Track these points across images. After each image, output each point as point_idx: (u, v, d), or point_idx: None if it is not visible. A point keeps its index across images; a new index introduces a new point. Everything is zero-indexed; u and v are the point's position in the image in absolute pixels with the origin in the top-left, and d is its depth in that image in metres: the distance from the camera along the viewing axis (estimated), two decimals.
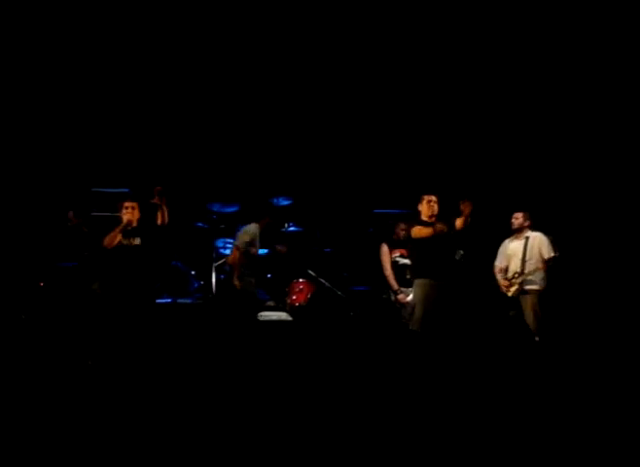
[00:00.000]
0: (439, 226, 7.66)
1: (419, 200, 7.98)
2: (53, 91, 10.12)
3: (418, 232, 7.77)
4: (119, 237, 7.79)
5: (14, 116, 9.84)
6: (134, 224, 7.86)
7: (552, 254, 8.30)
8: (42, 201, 9.93)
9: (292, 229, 10.82)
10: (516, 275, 8.34)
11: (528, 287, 8.33)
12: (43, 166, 10.16)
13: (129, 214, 7.84)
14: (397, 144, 11.37)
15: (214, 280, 10.15)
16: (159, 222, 7.90)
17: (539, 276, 8.35)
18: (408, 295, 8.40)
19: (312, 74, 10.73)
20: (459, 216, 7.58)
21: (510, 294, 8.37)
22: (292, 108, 11.35)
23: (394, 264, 8.81)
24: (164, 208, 7.84)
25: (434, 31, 9.79)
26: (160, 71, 10.25)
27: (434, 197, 7.91)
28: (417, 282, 7.86)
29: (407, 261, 8.64)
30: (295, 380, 6.22)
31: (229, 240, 10.72)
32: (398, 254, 8.81)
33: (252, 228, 8.95)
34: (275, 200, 10.76)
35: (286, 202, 10.87)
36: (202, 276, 10.52)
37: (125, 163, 10.79)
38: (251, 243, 8.89)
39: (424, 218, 7.90)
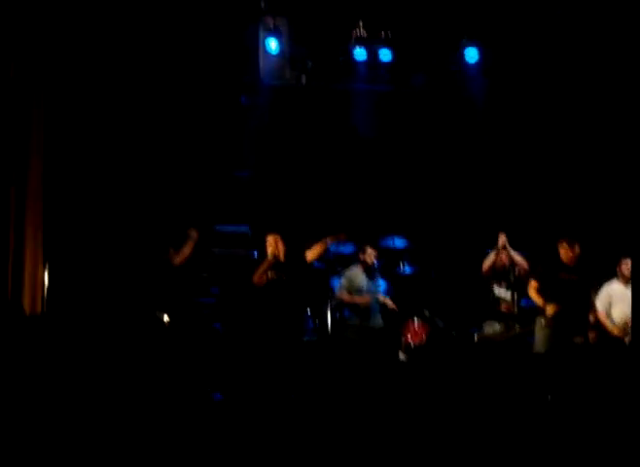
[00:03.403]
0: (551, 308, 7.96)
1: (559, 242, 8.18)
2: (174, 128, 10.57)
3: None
4: (269, 274, 7.85)
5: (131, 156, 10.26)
6: (281, 258, 7.91)
7: None
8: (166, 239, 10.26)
9: (407, 269, 10.84)
10: (629, 323, 8.24)
11: None
12: (168, 204, 10.51)
13: (273, 247, 7.91)
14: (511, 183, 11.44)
15: (329, 320, 10.25)
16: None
17: None
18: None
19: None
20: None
21: (627, 340, 8.25)
22: (406, 150, 11.59)
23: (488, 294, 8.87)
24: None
25: None
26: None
27: (572, 246, 8.11)
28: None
29: (504, 294, 8.70)
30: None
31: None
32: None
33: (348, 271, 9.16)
34: (391, 241, 10.85)
35: (401, 242, 10.91)
36: (318, 316, 10.63)
37: (245, 203, 11.11)
38: (348, 288, 9.01)
39: (564, 260, 8.11)
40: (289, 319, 7.99)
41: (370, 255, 9.12)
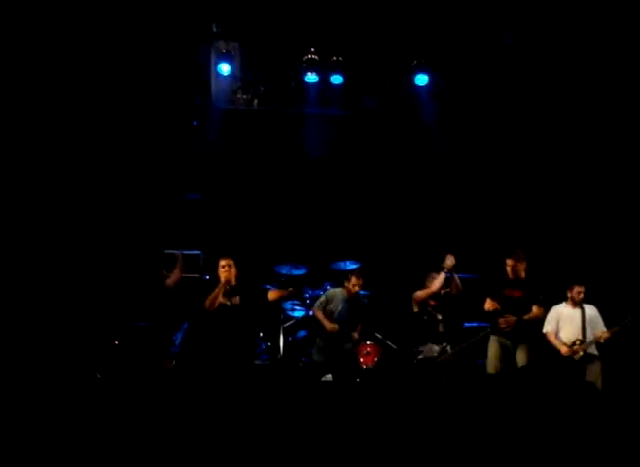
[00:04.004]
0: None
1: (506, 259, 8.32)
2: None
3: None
4: (220, 298, 7.79)
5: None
6: (233, 282, 7.83)
7: (604, 328, 8.59)
8: (117, 260, 10.17)
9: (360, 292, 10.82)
10: (578, 343, 8.49)
11: (594, 353, 8.57)
12: (118, 227, 10.42)
13: (227, 272, 7.81)
14: (462, 206, 11.58)
15: (282, 342, 10.22)
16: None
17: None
18: None
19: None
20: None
21: (576, 358, 8.48)
22: (358, 173, 11.67)
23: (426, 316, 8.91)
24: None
25: None
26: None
27: (517, 261, 8.28)
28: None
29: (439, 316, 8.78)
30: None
31: (296, 302, 10.84)
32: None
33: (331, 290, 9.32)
34: (343, 264, 10.86)
35: (353, 266, 10.92)
36: (270, 338, 10.59)
37: (197, 226, 11.05)
38: (324, 306, 9.09)
39: (510, 276, 8.32)
40: (241, 343, 7.88)
41: (354, 285, 9.00)
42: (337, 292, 9.14)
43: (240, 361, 7.86)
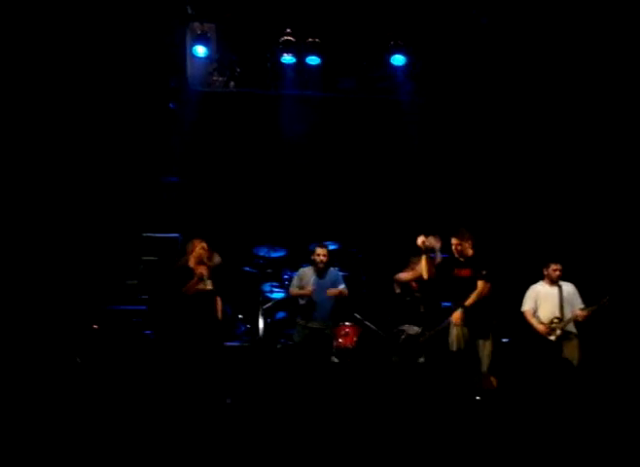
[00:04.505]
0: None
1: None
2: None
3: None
4: (200, 284, 7.96)
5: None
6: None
7: (582, 306, 8.60)
8: (94, 245, 10.14)
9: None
10: (557, 321, 8.54)
11: (572, 331, 8.59)
12: (95, 211, 10.39)
13: (201, 256, 8.05)
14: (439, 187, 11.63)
15: (261, 324, 10.23)
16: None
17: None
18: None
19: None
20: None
21: (553, 337, 8.53)
22: (335, 155, 11.68)
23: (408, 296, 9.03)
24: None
25: None
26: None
27: (453, 240, 8.20)
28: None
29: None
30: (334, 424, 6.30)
31: (275, 284, 10.87)
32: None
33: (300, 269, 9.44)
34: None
35: (332, 247, 10.94)
36: (249, 320, 10.61)
37: (175, 208, 11.04)
38: (298, 285, 9.30)
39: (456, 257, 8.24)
40: (217, 325, 8.05)
41: (318, 255, 9.23)
42: (306, 269, 9.41)
43: (211, 343, 8.04)
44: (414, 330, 8.84)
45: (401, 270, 9.30)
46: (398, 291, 9.24)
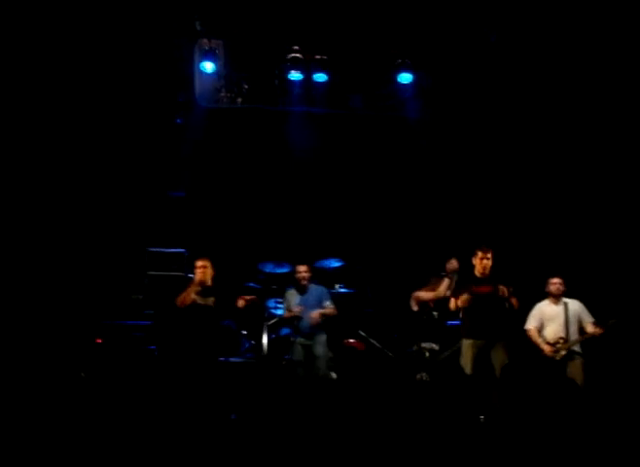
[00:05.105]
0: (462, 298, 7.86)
1: (473, 254, 8.14)
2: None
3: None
4: (192, 296, 7.86)
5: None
6: (209, 283, 7.95)
7: (592, 320, 8.48)
8: (101, 260, 10.15)
9: (342, 290, 10.86)
10: (562, 341, 8.45)
11: (576, 350, 8.49)
12: (99, 226, 10.41)
13: (201, 274, 7.94)
14: (446, 205, 11.63)
15: (265, 340, 10.20)
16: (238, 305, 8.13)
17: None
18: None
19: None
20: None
21: (557, 358, 8.44)
22: (342, 172, 11.70)
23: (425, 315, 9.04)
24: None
25: None
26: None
27: (489, 254, 8.04)
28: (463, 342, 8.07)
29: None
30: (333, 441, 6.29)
31: (280, 300, 10.85)
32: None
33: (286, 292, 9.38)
34: (326, 262, 10.87)
35: (337, 264, 10.94)
36: (253, 336, 10.58)
37: (180, 224, 11.05)
38: (287, 307, 9.28)
39: (477, 274, 8.06)
40: (209, 342, 7.99)
41: (299, 272, 9.18)
42: (291, 290, 9.33)
43: (206, 359, 7.95)
44: (433, 347, 8.88)
45: (417, 289, 9.33)
46: (415, 308, 9.27)
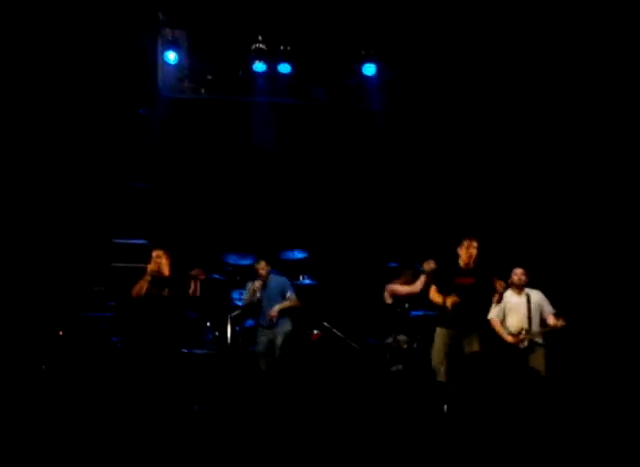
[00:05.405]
0: (450, 300, 7.79)
1: (459, 243, 8.06)
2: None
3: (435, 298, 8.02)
4: (146, 287, 7.83)
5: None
6: (165, 273, 7.92)
7: (554, 311, 8.53)
8: (63, 251, 10.06)
9: (306, 282, 10.89)
10: (524, 332, 8.50)
11: (538, 341, 8.55)
12: (62, 216, 10.31)
13: (154, 264, 7.90)
14: (409, 197, 11.68)
15: (229, 332, 10.19)
16: (189, 292, 8.00)
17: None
18: None
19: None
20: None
21: (521, 346, 8.49)
22: (305, 163, 11.70)
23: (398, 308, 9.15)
24: (198, 284, 8.00)
25: None
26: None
27: (475, 243, 7.98)
28: (437, 331, 8.06)
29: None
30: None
31: (244, 292, 10.84)
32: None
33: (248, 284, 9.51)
34: (291, 253, 10.89)
35: (301, 255, 10.96)
36: (217, 328, 10.56)
37: (143, 215, 10.98)
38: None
39: (461, 264, 8.01)
40: (165, 332, 7.95)
41: (260, 267, 9.29)
42: (250, 283, 9.46)
43: (166, 350, 7.94)
44: (404, 339, 8.99)
45: (390, 281, 9.42)
46: (389, 301, 9.35)
